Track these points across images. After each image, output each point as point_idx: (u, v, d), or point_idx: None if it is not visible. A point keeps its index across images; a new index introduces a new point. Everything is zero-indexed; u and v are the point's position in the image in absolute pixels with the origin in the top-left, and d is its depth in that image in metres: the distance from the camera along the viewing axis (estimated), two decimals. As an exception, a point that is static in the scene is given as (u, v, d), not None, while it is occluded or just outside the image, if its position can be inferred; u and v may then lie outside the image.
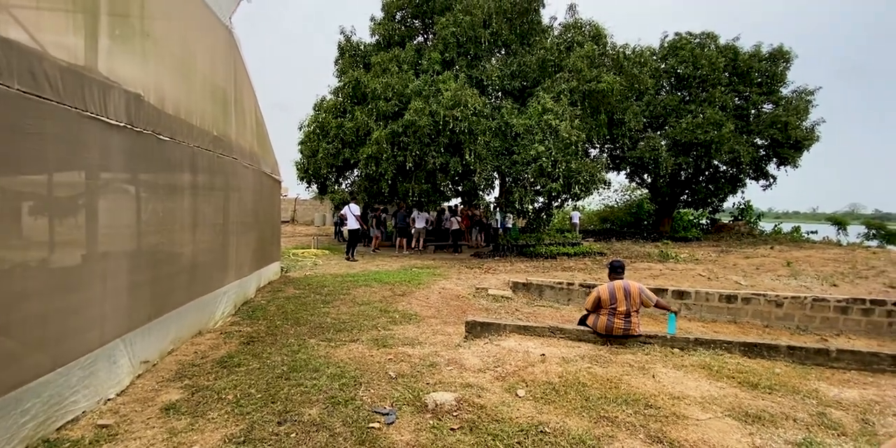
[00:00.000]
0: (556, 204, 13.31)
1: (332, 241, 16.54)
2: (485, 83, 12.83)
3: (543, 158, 11.00)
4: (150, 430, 2.78)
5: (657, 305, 4.64)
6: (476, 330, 4.88)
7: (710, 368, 3.93)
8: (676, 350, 4.43)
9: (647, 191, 20.94)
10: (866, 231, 21.70)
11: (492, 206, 14.53)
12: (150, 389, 3.39)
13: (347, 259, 11.20)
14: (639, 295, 4.51)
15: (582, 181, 11.60)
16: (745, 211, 21.36)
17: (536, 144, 11.08)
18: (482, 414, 3.07)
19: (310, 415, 2.97)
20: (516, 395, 3.40)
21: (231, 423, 2.87)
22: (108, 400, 3.15)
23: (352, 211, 11.32)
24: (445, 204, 16.90)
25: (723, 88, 16.98)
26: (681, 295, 7.64)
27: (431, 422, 2.92)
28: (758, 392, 3.49)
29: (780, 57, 17.38)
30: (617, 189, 23.71)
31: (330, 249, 13.35)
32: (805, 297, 7.42)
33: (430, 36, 14.85)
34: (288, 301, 6.51)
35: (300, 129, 14.64)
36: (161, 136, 3.84)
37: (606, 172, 17.20)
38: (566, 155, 11.26)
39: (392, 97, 12.22)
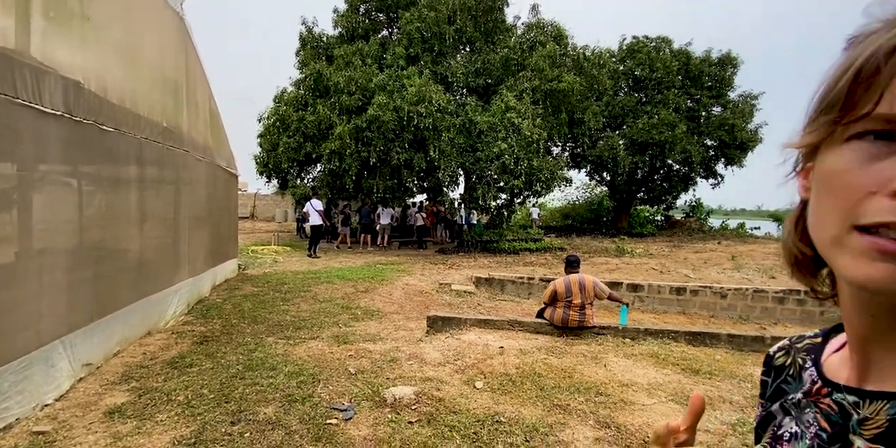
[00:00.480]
0: (518, 200, 13.56)
1: (294, 238, 16.15)
2: (449, 80, 12.84)
3: (506, 156, 11.16)
4: (91, 435, 2.66)
5: (610, 298, 4.84)
6: (437, 324, 4.93)
7: (657, 357, 4.15)
8: (627, 340, 4.64)
9: (606, 188, 21.66)
10: (803, 227, 23.25)
11: (456, 202, 14.62)
12: (94, 393, 3.23)
13: (309, 256, 10.99)
14: (593, 288, 4.69)
15: (543, 179, 11.86)
16: (696, 208, 22.49)
17: (499, 142, 11.22)
18: (440, 406, 3.12)
19: (265, 413, 2.92)
20: (474, 386, 3.48)
21: (181, 424, 2.78)
22: (46, 405, 2.98)
23: (314, 206, 11.10)
24: (410, 200, 16.85)
25: (676, 91, 17.76)
26: (635, 288, 7.99)
27: (390, 416, 2.94)
28: (699, 377, 3.72)
29: (728, 62, 18.34)
30: (578, 186, 24.39)
31: (292, 246, 13.05)
32: (747, 289, 7.93)
33: (395, 30, 14.70)
34: (245, 299, 6.33)
35: (259, 121, 14.18)
36: (104, 127, 3.64)
37: (567, 170, 17.67)
38: (528, 152, 11.47)
39: (355, 91, 12.03)
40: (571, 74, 12.80)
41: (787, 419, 0.50)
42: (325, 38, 14.61)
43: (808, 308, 7.87)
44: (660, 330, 4.74)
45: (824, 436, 0.44)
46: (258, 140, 14.11)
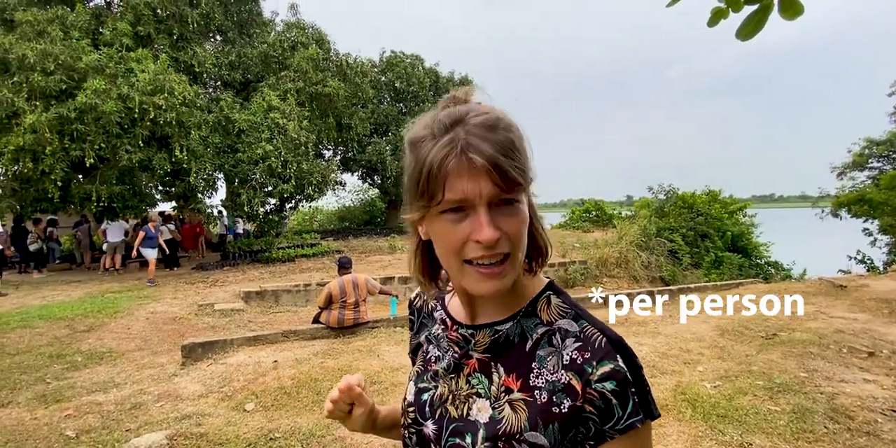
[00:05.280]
0: (289, 205, 12.99)
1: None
2: (197, 70, 11.25)
3: (272, 158, 10.52)
4: None
5: (381, 292, 5.19)
6: (196, 353, 4.33)
7: (423, 339, 4.68)
8: (399, 328, 5.07)
9: (378, 190, 22.89)
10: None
11: (216, 209, 12.96)
12: None
13: (-12, 292, 7.89)
14: (365, 285, 4.94)
15: (315, 182, 11.69)
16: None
17: (263, 143, 10.49)
18: (202, 442, 2.78)
19: None
20: (244, 410, 3.23)
21: None
22: None
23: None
24: (153, 210, 14.06)
25: (430, 104, 20.19)
26: (405, 280, 8.75)
27: (131, 471, 2.45)
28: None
29: (466, 83, 21.94)
30: (351, 189, 24.96)
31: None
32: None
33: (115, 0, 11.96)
34: None
35: None
36: None
37: (340, 173, 17.90)
38: (296, 155, 11.10)
39: (56, 71, 9.23)
40: (336, 80, 12.98)
41: (430, 347, 0.74)
42: (-1, -3, 10.67)
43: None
44: (425, 315, 5.35)
45: (456, 355, 0.68)
46: None
